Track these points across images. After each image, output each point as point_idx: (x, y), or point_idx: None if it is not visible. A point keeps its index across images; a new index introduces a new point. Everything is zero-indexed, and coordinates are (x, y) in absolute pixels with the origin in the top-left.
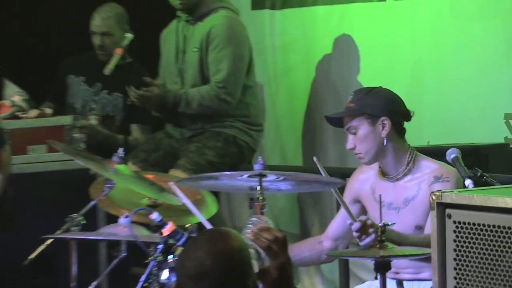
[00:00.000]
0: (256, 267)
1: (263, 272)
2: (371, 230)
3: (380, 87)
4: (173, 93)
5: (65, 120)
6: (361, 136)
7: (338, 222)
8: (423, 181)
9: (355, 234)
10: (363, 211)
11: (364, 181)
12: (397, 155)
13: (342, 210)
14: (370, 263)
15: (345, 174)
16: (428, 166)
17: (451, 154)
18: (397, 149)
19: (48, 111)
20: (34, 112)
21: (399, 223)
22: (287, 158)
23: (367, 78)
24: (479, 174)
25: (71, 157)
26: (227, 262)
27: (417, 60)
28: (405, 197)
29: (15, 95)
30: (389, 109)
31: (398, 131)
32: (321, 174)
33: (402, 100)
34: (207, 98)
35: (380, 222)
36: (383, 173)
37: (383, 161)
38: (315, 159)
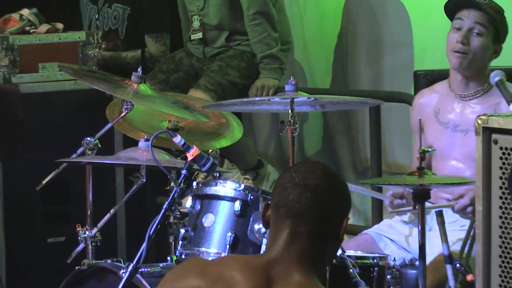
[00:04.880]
0: None
1: None
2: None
3: None
4: None
5: (79, 35)
6: (479, 43)
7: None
8: (499, 104)
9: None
10: None
11: (426, 105)
12: (481, 77)
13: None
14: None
15: (379, 97)
16: None
17: (495, 77)
18: (485, 72)
19: (59, 25)
20: (44, 27)
21: (464, 147)
22: (316, 80)
23: None
24: None
25: (84, 81)
26: (339, 187)
27: None
28: None
29: (23, 8)
30: (504, 38)
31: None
32: None
33: None
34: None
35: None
36: (453, 90)
37: (467, 74)
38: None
